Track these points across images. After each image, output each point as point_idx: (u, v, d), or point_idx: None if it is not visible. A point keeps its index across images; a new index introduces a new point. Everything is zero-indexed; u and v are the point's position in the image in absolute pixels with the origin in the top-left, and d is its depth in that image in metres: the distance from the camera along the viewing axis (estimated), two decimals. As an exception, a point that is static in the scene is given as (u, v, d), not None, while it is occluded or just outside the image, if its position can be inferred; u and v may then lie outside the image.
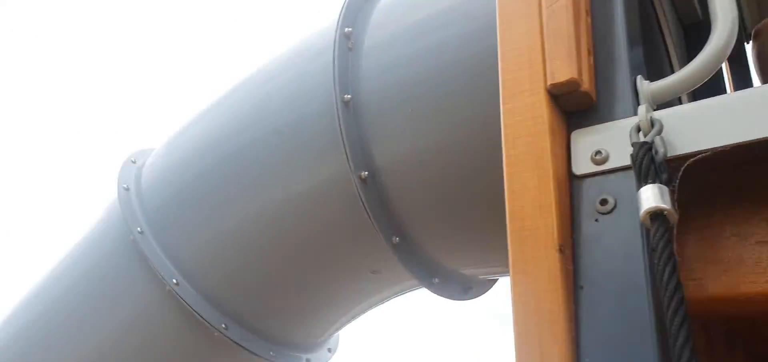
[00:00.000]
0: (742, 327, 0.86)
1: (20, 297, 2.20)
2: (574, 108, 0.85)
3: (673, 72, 1.30)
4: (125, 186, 1.97)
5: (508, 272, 1.67)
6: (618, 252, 0.70)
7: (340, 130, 1.48)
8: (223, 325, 1.85)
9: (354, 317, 2.15)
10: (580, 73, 0.82)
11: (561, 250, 0.75)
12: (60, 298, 2.07)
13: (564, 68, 0.82)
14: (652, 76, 0.89)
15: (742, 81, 1.99)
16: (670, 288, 0.59)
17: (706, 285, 0.68)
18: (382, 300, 2.08)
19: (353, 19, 1.62)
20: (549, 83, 0.82)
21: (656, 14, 1.42)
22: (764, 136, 0.68)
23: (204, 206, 1.79)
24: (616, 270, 0.69)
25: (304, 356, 2.15)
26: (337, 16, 1.63)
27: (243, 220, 1.72)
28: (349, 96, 1.51)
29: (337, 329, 2.20)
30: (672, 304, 0.58)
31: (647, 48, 1.13)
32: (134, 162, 2.09)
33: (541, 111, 0.82)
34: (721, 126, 0.72)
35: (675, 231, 0.64)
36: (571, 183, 0.80)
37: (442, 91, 1.44)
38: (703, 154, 0.70)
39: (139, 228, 1.87)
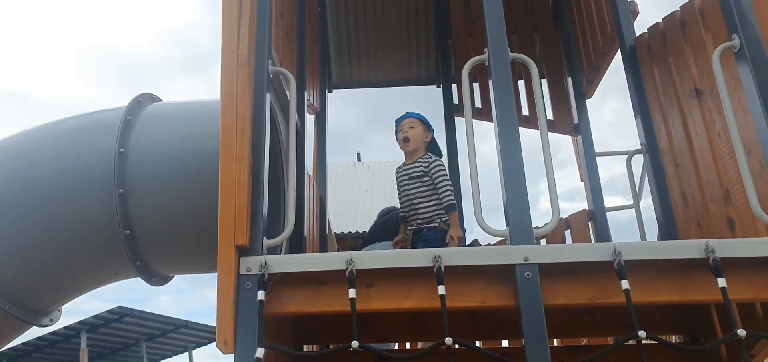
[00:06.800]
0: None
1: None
2: (243, 247, 2.46)
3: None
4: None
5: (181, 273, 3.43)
6: (250, 304, 2.33)
7: (116, 209, 2.78)
8: (7, 307, 2.92)
9: (83, 293, 3.40)
10: (244, 238, 2.43)
11: (233, 300, 2.36)
12: None
13: (239, 237, 2.42)
14: (275, 228, 2.56)
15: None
16: (259, 313, 2.26)
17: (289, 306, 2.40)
18: (108, 284, 3.39)
19: (125, 141, 2.89)
20: (236, 242, 2.41)
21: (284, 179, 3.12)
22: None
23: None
24: (247, 305, 2.33)
25: (47, 318, 3.31)
26: (116, 137, 2.88)
27: (41, 248, 2.84)
28: (122, 190, 2.81)
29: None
30: (258, 316, 2.26)
31: (276, 211, 2.82)
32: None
33: (231, 249, 2.40)
34: (287, 264, 2.42)
35: (264, 302, 2.32)
36: (238, 276, 2.41)
37: (179, 194, 2.87)
38: (279, 274, 2.40)
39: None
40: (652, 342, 2.26)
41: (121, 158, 2.84)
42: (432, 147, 3.77)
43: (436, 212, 3.47)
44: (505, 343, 3.94)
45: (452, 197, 3.50)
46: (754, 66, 2.48)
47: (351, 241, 10.42)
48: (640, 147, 3.76)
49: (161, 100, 3.45)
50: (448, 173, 3.67)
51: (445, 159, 4.81)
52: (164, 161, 2.92)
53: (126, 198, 2.81)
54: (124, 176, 2.82)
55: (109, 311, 13.04)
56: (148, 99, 3.31)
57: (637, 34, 3.85)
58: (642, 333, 2.16)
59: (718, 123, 2.93)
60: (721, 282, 2.20)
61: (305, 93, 4.22)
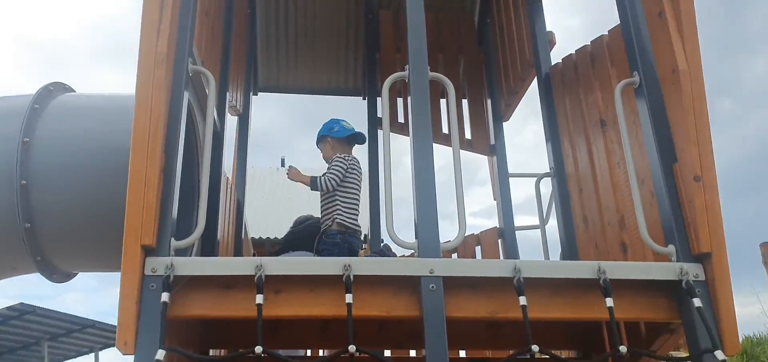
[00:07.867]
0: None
1: None
2: (149, 248, 2.40)
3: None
4: None
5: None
6: (154, 306, 2.28)
7: (17, 201, 2.65)
8: None
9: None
10: (151, 238, 2.38)
11: (136, 301, 2.31)
12: None
13: (146, 237, 2.36)
14: (187, 231, 2.52)
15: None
16: (163, 315, 2.22)
17: (194, 310, 2.36)
18: (3, 278, 3.21)
19: (31, 130, 2.76)
20: (142, 242, 2.35)
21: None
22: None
23: None
24: (150, 306, 2.27)
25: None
26: (21, 124, 2.74)
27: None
28: (24, 181, 2.68)
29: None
30: (161, 318, 2.21)
31: (189, 213, 2.77)
32: None
33: (137, 249, 2.35)
34: (194, 266, 2.39)
35: (169, 304, 2.27)
36: (142, 277, 2.35)
37: (86, 189, 2.76)
38: (187, 277, 2.37)
39: None
40: (545, 356, 2.39)
41: (25, 148, 2.71)
42: (340, 143, 3.99)
43: (328, 214, 3.66)
44: (412, 353, 4.03)
45: (325, 179, 3.73)
46: (650, 103, 2.69)
47: (269, 247, 10.29)
48: (548, 170, 3.97)
49: (74, 91, 3.31)
50: (345, 166, 3.83)
51: (364, 166, 4.81)
52: (71, 154, 2.80)
53: (28, 190, 2.68)
54: (27, 166, 2.69)
55: (9, 308, 12.24)
56: (60, 88, 3.17)
57: (553, 63, 4.07)
58: (535, 348, 2.28)
59: (618, 153, 3.14)
60: (609, 301, 2.36)
61: (227, 94, 4.17)
